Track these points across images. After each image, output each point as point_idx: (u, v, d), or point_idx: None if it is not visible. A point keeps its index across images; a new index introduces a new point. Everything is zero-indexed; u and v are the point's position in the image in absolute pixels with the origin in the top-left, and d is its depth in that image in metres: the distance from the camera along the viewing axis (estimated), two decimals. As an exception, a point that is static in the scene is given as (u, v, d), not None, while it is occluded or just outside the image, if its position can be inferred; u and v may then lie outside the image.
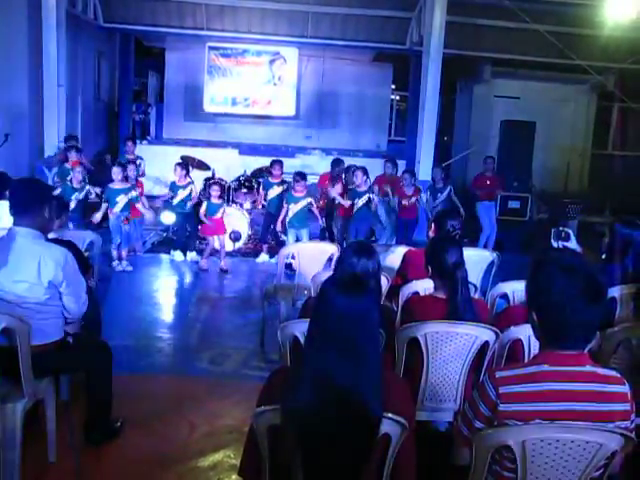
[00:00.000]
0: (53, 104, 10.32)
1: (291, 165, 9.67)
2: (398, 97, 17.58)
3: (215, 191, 8.30)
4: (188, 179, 8.68)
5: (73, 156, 8.84)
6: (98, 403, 3.61)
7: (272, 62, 14.40)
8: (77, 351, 3.52)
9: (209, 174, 10.02)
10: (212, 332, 6.04)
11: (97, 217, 7.77)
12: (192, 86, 14.99)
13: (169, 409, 4.17)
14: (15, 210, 3.26)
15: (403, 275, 4.38)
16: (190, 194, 8.54)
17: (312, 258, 5.39)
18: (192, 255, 8.70)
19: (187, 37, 13.55)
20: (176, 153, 10.76)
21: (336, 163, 9.51)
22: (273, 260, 8.77)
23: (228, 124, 15.16)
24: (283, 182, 8.91)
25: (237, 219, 9.02)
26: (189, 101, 15.22)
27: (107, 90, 14.84)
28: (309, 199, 8.30)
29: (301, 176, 8.32)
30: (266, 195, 8.99)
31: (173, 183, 8.63)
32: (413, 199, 9.01)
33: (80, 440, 3.58)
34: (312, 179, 10.11)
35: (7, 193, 3.41)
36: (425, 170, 10.26)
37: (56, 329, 3.39)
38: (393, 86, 16.49)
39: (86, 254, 4.94)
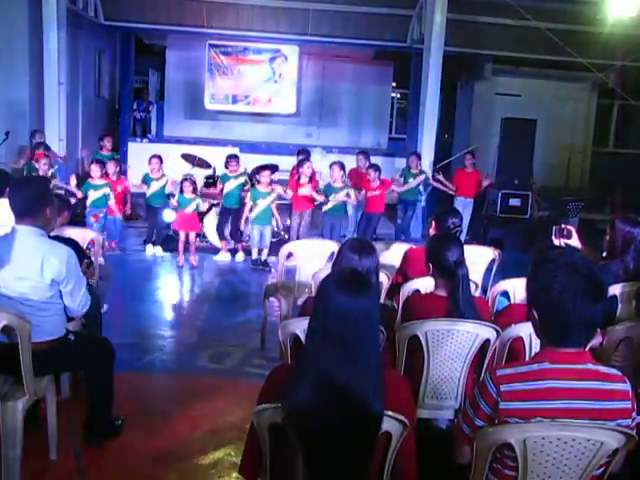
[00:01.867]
0: (54, 102, 10.31)
1: (292, 163, 9.64)
2: (399, 95, 17.56)
3: (186, 186, 8.33)
4: (162, 171, 8.81)
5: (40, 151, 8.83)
6: (99, 401, 3.61)
7: (273, 60, 14.39)
8: (78, 349, 3.51)
9: (210, 172, 10.02)
10: (211, 329, 6.04)
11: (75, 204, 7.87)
12: (193, 84, 14.97)
13: (170, 407, 4.18)
14: (17, 209, 3.24)
15: (404, 273, 4.37)
16: (164, 186, 8.65)
17: (312, 255, 5.38)
18: (157, 249, 8.81)
19: (188, 35, 13.53)
20: (177, 151, 10.76)
21: (301, 153, 9.33)
22: (237, 259, 8.80)
23: (229, 122, 15.15)
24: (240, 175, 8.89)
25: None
26: (190, 99, 15.21)
27: (108, 88, 14.84)
28: (274, 195, 8.29)
29: (265, 168, 8.35)
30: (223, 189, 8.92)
31: (146, 175, 8.76)
32: (378, 192, 9.00)
33: (81, 438, 3.59)
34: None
35: (7, 190, 3.39)
36: (426, 167, 10.25)
37: (57, 327, 3.39)
38: (394, 84, 16.47)
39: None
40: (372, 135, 15.87)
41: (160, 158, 8.89)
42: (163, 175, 8.79)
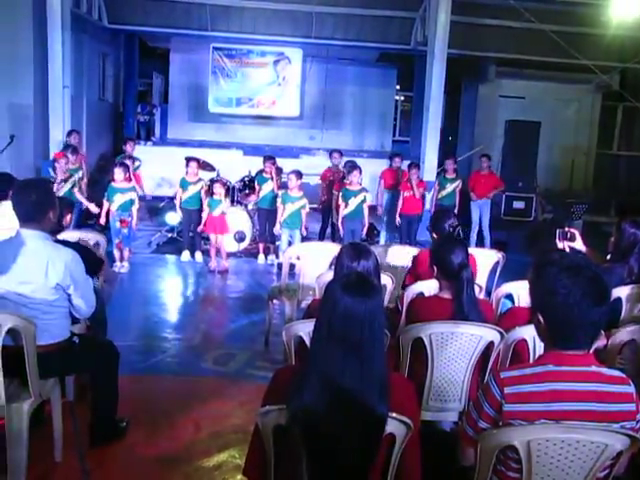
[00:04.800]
0: (58, 105, 10.35)
1: (295, 166, 9.65)
2: (402, 97, 17.58)
3: (217, 188, 8.31)
4: (199, 176, 8.73)
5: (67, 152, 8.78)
6: (103, 403, 3.62)
7: (276, 63, 14.43)
8: (83, 352, 3.52)
9: (214, 175, 10.04)
10: (216, 332, 6.05)
11: (100, 214, 7.84)
12: (196, 87, 15.03)
13: (174, 409, 4.18)
14: (20, 213, 3.24)
15: (415, 275, 4.33)
16: (200, 191, 8.56)
17: (316, 258, 5.38)
18: (199, 255, 8.73)
19: (192, 38, 13.59)
20: (181, 154, 10.77)
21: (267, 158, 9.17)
22: (269, 260, 8.80)
23: (232, 125, 15.19)
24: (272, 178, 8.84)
25: (241, 219, 9.02)
26: (193, 102, 15.25)
27: (112, 91, 14.88)
28: (304, 201, 8.24)
29: (297, 175, 8.29)
30: (260, 191, 8.90)
31: (183, 179, 8.64)
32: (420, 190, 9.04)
33: (85, 440, 3.59)
34: (317, 180, 10.12)
35: (11, 193, 3.40)
36: (429, 170, 10.26)
37: (62, 330, 3.40)
38: (397, 86, 16.50)
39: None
40: (376, 138, 15.89)
41: (198, 161, 8.79)
42: (200, 180, 8.69)
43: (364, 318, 1.91)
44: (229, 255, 8.76)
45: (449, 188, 9.66)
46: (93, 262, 4.11)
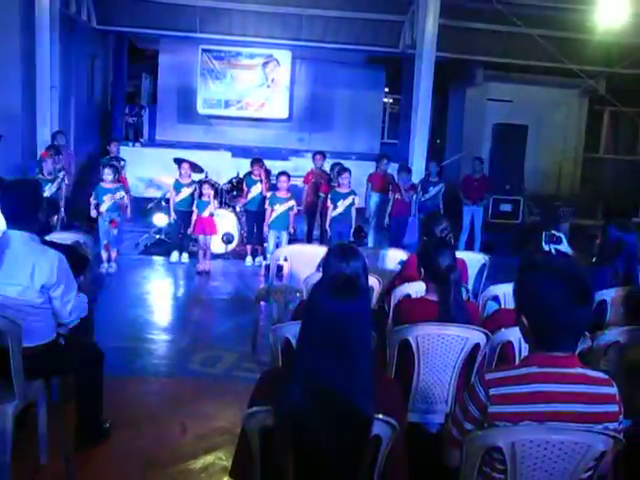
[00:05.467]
0: (46, 105, 10.29)
1: (284, 168, 9.66)
2: (391, 100, 17.63)
3: (206, 189, 8.32)
4: (191, 178, 8.74)
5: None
6: (88, 405, 3.60)
7: (265, 65, 14.43)
8: (68, 353, 3.51)
9: (202, 176, 10.02)
10: (204, 334, 6.04)
11: (92, 213, 7.82)
12: (185, 88, 14.99)
13: (160, 411, 4.17)
14: (8, 213, 3.23)
15: (406, 279, 4.31)
16: (193, 193, 8.57)
17: (304, 260, 5.39)
18: (185, 256, 8.70)
19: (180, 39, 13.55)
20: (169, 155, 10.74)
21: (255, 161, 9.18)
22: (257, 262, 8.80)
23: (221, 126, 15.17)
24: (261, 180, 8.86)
25: (229, 221, 9.02)
26: (182, 103, 15.21)
27: (100, 92, 14.83)
28: (292, 202, 8.26)
29: (287, 176, 8.30)
30: (248, 193, 8.87)
31: (177, 181, 8.66)
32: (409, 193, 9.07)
33: (71, 442, 3.57)
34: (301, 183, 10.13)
35: (-1, 194, 3.38)
36: (418, 172, 10.28)
37: (48, 331, 3.39)
38: (386, 89, 16.54)
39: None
40: (364, 140, 15.91)
41: (191, 164, 8.83)
42: (193, 182, 8.70)
43: (349, 319, 1.91)
44: (217, 257, 8.75)
45: (432, 191, 9.69)
46: (78, 261, 4.08)
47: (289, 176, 8.39)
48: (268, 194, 8.49)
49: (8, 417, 3.07)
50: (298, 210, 8.61)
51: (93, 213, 7.80)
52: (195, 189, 8.61)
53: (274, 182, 8.91)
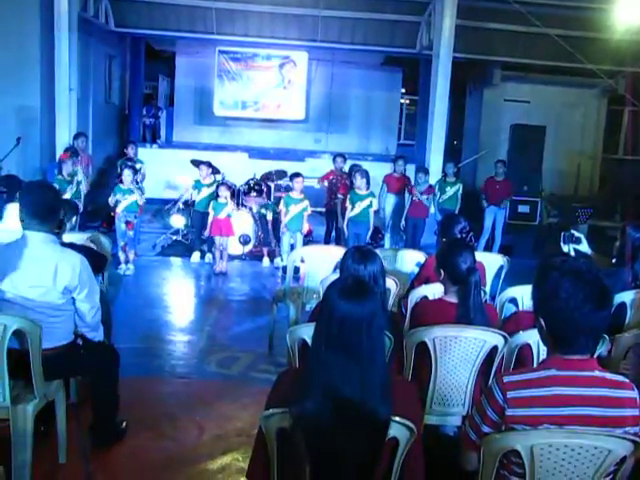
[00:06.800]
0: (64, 108, 10.37)
1: (300, 169, 9.66)
2: (408, 101, 17.58)
3: (222, 191, 8.35)
4: (212, 178, 8.84)
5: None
6: (103, 405, 3.62)
7: (282, 66, 14.45)
8: (86, 354, 3.53)
9: (219, 178, 10.07)
10: (220, 335, 6.06)
11: (110, 201, 7.88)
12: (202, 90, 15.05)
13: (178, 412, 4.19)
14: (28, 215, 3.22)
15: (425, 280, 4.30)
16: (214, 192, 8.62)
17: (321, 262, 5.39)
18: (209, 257, 8.77)
19: (197, 41, 13.62)
20: (186, 156, 10.80)
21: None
22: (275, 264, 8.81)
23: (238, 128, 15.22)
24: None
25: (246, 222, 9.04)
26: (199, 105, 15.28)
27: (118, 93, 14.93)
28: (306, 203, 8.26)
29: (299, 176, 8.32)
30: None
31: (197, 181, 8.75)
32: (424, 196, 9.03)
33: (89, 442, 3.60)
34: (318, 182, 10.11)
35: (17, 195, 3.40)
36: (435, 173, 10.25)
37: (67, 333, 3.41)
38: (403, 90, 16.49)
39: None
40: (381, 141, 15.89)
41: (209, 164, 8.96)
42: (213, 182, 8.84)
43: (362, 322, 1.91)
44: (234, 258, 8.78)
45: (449, 192, 9.65)
46: (97, 259, 4.12)
47: (303, 177, 8.39)
48: (282, 195, 8.51)
49: (28, 416, 3.10)
50: (313, 212, 8.60)
51: (113, 205, 7.87)
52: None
53: (287, 183, 8.91)
